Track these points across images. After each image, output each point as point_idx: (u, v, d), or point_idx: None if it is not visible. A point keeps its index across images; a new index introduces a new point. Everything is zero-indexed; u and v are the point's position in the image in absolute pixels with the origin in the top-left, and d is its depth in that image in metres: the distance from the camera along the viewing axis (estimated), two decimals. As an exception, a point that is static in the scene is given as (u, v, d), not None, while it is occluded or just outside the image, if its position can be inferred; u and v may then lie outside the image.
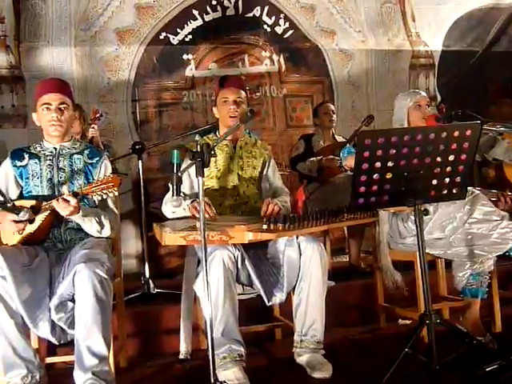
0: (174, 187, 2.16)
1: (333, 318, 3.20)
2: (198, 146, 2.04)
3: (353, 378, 2.40)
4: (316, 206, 3.91)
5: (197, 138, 2.15)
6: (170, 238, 2.22)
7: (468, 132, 2.21)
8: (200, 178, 2.03)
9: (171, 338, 2.93)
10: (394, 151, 2.17)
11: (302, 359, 2.49)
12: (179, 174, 2.17)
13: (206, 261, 2.00)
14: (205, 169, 2.67)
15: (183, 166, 2.47)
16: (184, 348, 2.61)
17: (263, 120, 5.08)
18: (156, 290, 3.52)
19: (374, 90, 5.38)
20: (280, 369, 2.65)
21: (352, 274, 3.92)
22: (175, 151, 2.17)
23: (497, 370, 2.23)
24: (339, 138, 4.35)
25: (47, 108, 2.46)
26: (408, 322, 3.18)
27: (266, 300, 2.45)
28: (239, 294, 2.95)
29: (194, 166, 2.05)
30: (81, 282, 2.13)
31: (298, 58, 5.22)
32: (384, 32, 5.47)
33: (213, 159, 2.71)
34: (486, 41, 5.69)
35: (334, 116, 4.38)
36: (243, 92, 2.82)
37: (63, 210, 2.26)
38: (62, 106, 2.47)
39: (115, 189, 2.22)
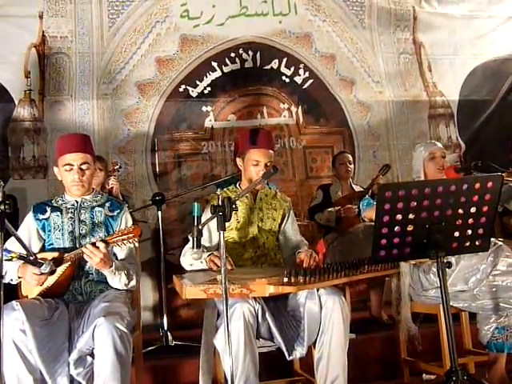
0: (195, 240, 2.17)
1: (354, 371, 3.11)
2: (220, 200, 2.06)
3: None
4: (334, 256, 3.88)
5: (218, 191, 2.15)
6: (190, 291, 2.21)
7: (489, 184, 2.21)
8: (221, 232, 2.03)
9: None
10: (415, 203, 2.16)
11: (325, 416, 2.42)
12: (200, 227, 2.19)
13: (227, 316, 1.98)
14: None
15: (203, 219, 2.49)
16: None
17: (282, 171, 5.08)
18: (174, 343, 3.48)
19: (394, 140, 5.38)
20: (302, 427, 2.57)
21: (373, 326, 3.85)
22: (196, 204, 2.19)
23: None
24: (357, 188, 4.36)
25: (69, 169, 2.51)
26: (433, 376, 3.09)
27: (286, 354, 2.40)
28: (258, 347, 2.91)
29: (215, 219, 2.06)
30: (101, 337, 2.12)
31: (316, 109, 5.27)
32: (401, 82, 5.53)
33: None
34: (502, 90, 5.73)
35: (351, 166, 4.41)
36: (273, 152, 2.84)
37: (93, 256, 2.27)
38: (83, 166, 2.51)
39: (136, 239, 2.24)
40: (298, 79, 5.28)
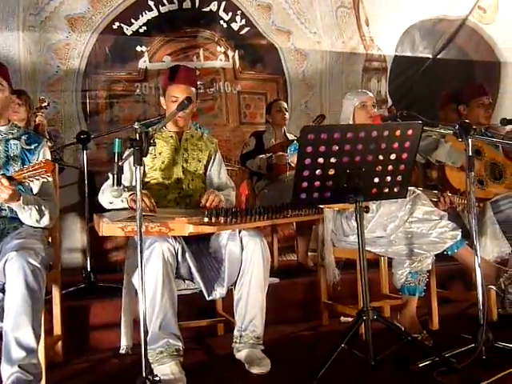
0: (115, 177, 2.11)
1: (276, 315, 3.21)
2: (137, 135, 2.00)
3: (290, 374, 2.40)
4: (264, 203, 3.91)
5: (135, 125, 2.08)
6: (107, 228, 2.17)
7: (410, 131, 2.25)
8: (138, 167, 1.99)
9: (110, 332, 2.86)
10: (337, 147, 2.19)
11: (241, 354, 2.47)
12: (120, 164, 2.12)
13: (141, 252, 1.97)
14: (149, 161, 2.69)
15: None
16: (125, 343, 2.55)
17: (216, 116, 5.05)
18: (98, 284, 3.44)
19: (327, 90, 5.43)
20: (219, 364, 2.62)
21: (298, 272, 3.95)
22: (117, 140, 2.11)
23: (430, 366, 2.27)
24: (290, 136, 4.36)
25: None
26: (350, 319, 3.20)
27: (205, 294, 2.43)
28: (182, 289, 2.91)
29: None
30: (12, 271, 2.04)
31: (253, 56, 5.23)
32: (339, 34, 5.53)
33: (157, 151, 2.70)
34: (436, 49, 5.84)
35: (287, 114, 4.41)
36: (194, 89, 2.73)
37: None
38: None
39: (48, 174, 2.12)
40: (235, 26, 5.17)
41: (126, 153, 2.45)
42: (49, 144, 3.64)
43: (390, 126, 2.31)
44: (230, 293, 2.56)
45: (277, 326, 3.13)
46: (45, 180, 2.18)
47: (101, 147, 4.67)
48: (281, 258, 4.54)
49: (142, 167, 2.02)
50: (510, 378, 2.15)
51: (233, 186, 2.91)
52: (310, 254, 4.14)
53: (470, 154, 2.34)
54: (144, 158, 2.61)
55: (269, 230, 4.23)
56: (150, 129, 2.75)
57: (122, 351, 2.56)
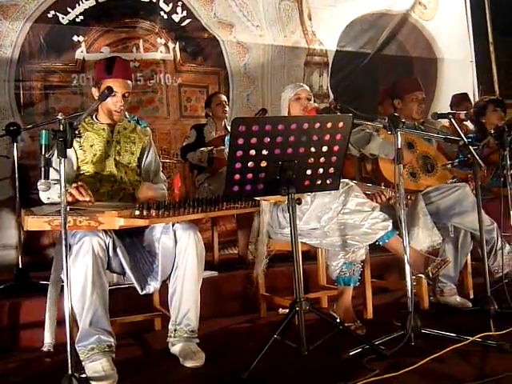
0: (42, 170, 2.04)
1: (215, 308, 3.22)
2: (61, 126, 1.94)
3: (225, 367, 2.40)
4: (204, 197, 3.89)
5: (59, 116, 2.02)
6: (32, 222, 2.10)
7: (340, 124, 2.28)
8: (62, 159, 1.93)
9: (41, 330, 2.77)
10: (269, 139, 2.19)
11: (176, 348, 2.46)
12: (47, 156, 2.06)
13: (66, 246, 1.92)
14: (80, 153, 2.62)
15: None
16: (48, 340, 2.46)
17: (157, 109, 4.98)
18: (31, 281, 3.33)
19: (269, 84, 5.43)
20: (153, 359, 2.60)
21: (238, 265, 3.94)
22: (44, 132, 2.04)
23: (360, 354, 2.32)
24: (231, 130, 4.35)
25: None
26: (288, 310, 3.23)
27: (138, 289, 2.40)
28: (117, 285, 2.86)
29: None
30: None
31: (194, 48, 5.16)
32: (281, 28, 5.54)
33: (88, 143, 2.63)
34: (377, 44, 5.95)
35: (227, 107, 4.40)
36: (130, 82, 2.69)
37: None
38: None
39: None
40: (176, 17, 5.10)
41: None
42: (-24, 136, 3.54)
43: (321, 118, 2.33)
44: (166, 287, 2.53)
45: (215, 319, 3.14)
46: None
47: (36, 139, 4.50)
48: (223, 252, 4.55)
49: (65, 159, 1.96)
50: (436, 363, 2.22)
51: (164, 179, 2.88)
52: (250, 247, 4.13)
53: (399, 146, 2.39)
54: (76, 151, 2.60)
55: (209, 225, 4.22)
56: (79, 119, 2.69)
57: (45, 348, 2.46)
